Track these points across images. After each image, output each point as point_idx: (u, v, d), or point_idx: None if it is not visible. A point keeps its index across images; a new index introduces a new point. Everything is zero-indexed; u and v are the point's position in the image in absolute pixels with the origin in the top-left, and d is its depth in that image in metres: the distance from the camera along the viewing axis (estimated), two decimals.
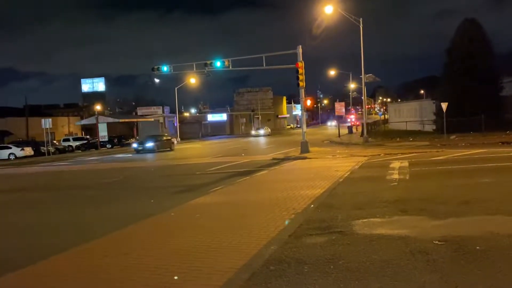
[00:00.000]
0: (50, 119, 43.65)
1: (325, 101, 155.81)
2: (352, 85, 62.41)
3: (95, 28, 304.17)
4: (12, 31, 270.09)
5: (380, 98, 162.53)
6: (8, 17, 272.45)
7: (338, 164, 17.95)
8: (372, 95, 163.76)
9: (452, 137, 29.69)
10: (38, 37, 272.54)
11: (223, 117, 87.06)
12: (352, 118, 70.71)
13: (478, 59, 34.65)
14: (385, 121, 69.93)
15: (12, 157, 41.01)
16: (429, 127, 39.91)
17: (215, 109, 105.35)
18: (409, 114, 50.91)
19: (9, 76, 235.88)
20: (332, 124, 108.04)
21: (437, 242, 6.11)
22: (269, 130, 71.87)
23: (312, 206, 9.26)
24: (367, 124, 39.64)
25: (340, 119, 62.67)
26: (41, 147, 44.02)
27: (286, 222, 7.84)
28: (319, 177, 14.06)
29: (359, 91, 70.88)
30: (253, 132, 69.39)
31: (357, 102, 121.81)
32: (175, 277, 5.39)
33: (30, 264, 6.32)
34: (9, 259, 7.00)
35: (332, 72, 60.55)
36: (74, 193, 14.96)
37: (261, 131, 67.93)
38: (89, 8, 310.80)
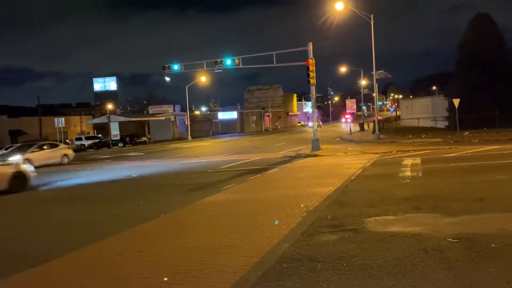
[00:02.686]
0: (63, 118, 44.29)
1: (336, 98, 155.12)
2: (363, 82, 62.01)
3: (109, 28, 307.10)
4: (28, 31, 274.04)
5: (392, 94, 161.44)
6: (24, 17, 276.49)
7: (350, 162, 17.88)
8: (383, 92, 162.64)
9: (465, 133, 29.38)
10: (53, 36, 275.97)
11: (233, 115, 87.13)
12: (349, 118, 68.88)
13: (491, 54, 34.20)
14: (397, 118, 69.46)
15: None
16: (442, 124, 39.53)
17: (226, 107, 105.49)
18: (421, 110, 50.46)
19: (25, 76, 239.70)
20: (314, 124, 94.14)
21: (451, 239, 6.07)
22: (69, 154, 29.22)
23: (324, 203, 9.26)
24: (379, 121, 39.38)
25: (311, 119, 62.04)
26: None
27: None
28: (331, 174, 14.02)
29: (370, 87, 70.45)
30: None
31: (368, 99, 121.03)
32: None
33: (46, 261, 6.42)
34: (25, 256, 7.11)
35: (343, 69, 60.31)
36: (88, 192, 15.12)
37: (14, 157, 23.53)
38: (103, 8, 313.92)
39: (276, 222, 7.78)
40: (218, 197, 11.30)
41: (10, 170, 15.47)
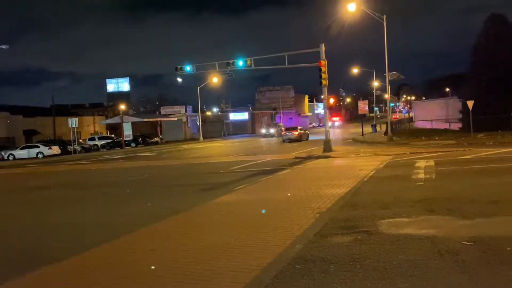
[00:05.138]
0: (77, 119, 44.66)
1: (348, 99, 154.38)
2: (376, 83, 61.60)
3: (124, 29, 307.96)
4: (45, 32, 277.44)
5: (405, 96, 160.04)
6: (41, 19, 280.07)
7: (362, 163, 17.81)
8: (396, 93, 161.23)
9: (480, 135, 29.02)
10: (69, 37, 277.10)
11: (244, 116, 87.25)
12: (336, 121, 64.03)
13: (506, 56, 33.73)
14: (410, 120, 68.85)
15: (40, 155, 42.07)
16: (455, 126, 39.10)
17: (237, 108, 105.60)
18: (435, 112, 49.95)
19: (41, 76, 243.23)
20: (267, 132, 57.17)
21: (465, 242, 6.02)
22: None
23: (337, 205, 9.25)
24: (392, 122, 39.13)
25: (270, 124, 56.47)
26: (68, 146, 45.08)
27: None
28: (343, 176, 13.99)
29: (383, 89, 70.01)
30: None
31: (381, 100, 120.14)
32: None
33: (63, 259, 6.51)
34: (43, 254, 7.22)
35: (355, 70, 60.02)
36: (102, 191, 15.29)
37: None
38: (119, 9, 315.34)
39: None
40: (231, 198, 11.36)
41: (307, 132, 47.03)
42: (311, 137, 45.92)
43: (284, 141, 41.85)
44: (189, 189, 14.22)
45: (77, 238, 8.32)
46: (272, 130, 56.95)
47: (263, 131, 56.34)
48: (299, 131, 43.32)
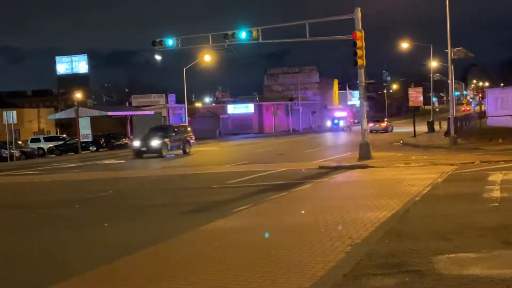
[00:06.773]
0: (15, 112, 44.70)
1: (395, 86, 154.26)
2: (434, 63, 61.43)
3: None
4: None
5: (474, 81, 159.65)
6: None
7: (414, 176, 17.87)
8: (463, 77, 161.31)
9: None
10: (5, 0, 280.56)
11: (249, 108, 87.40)
12: (343, 117, 73.74)
13: None
14: (482, 114, 68.68)
15: None
16: None
17: (239, 98, 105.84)
18: None
19: None
20: (142, 147, 38.91)
21: None
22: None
23: (376, 234, 9.26)
24: (456, 118, 39.05)
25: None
26: (3, 150, 45.15)
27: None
28: (386, 193, 14.06)
29: (443, 72, 69.83)
30: None
31: (441, 87, 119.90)
32: None
33: None
34: None
35: (405, 45, 59.82)
36: (48, 213, 15.37)
37: None
38: None
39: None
40: (227, 223, 11.41)
41: (391, 124, 69.86)
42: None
43: (371, 131, 54.32)
44: (169, 210, 14.30)
45: (14, 277, 8.35)
46: (154, 143, 38.99)
47: (136, 144, 40.73)
48: (386, 122, 65.05)
